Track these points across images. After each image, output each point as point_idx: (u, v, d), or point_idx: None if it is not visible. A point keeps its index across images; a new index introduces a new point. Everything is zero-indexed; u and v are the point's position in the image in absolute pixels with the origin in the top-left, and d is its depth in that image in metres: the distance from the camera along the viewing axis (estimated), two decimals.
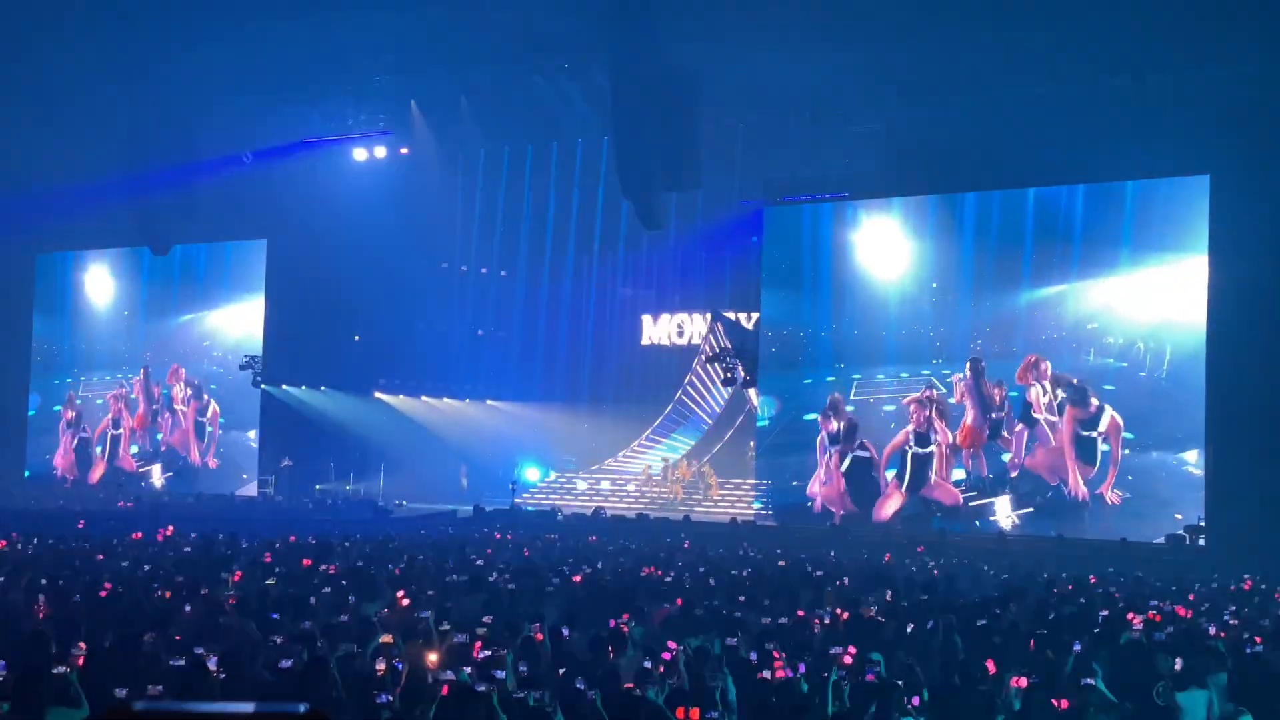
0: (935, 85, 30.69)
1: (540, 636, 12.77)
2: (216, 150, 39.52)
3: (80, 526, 28.87)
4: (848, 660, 11.69)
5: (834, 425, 34.63)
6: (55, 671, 9.10)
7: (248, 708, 1.94)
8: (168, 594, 15.47)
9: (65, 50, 34.38)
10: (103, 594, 15.21)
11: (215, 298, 45.05)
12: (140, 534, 24.59)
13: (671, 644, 12.16)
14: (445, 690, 9.51)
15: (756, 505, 36.69)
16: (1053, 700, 10.83)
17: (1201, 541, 28.54)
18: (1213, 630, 14.88)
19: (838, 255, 35.40)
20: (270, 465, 42.42)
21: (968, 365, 33.03)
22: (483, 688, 9.41)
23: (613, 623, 14.02)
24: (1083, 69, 29.56)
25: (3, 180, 41.56)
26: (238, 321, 44.22)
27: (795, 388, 35.79)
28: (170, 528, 28.58)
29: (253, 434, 43.40)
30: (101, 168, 38.88)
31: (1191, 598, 19.86)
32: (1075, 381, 31.67)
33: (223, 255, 44.95)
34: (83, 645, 11.00)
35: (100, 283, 48.32)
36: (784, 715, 9.91)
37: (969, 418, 32.89)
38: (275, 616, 13.38)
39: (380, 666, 10.46)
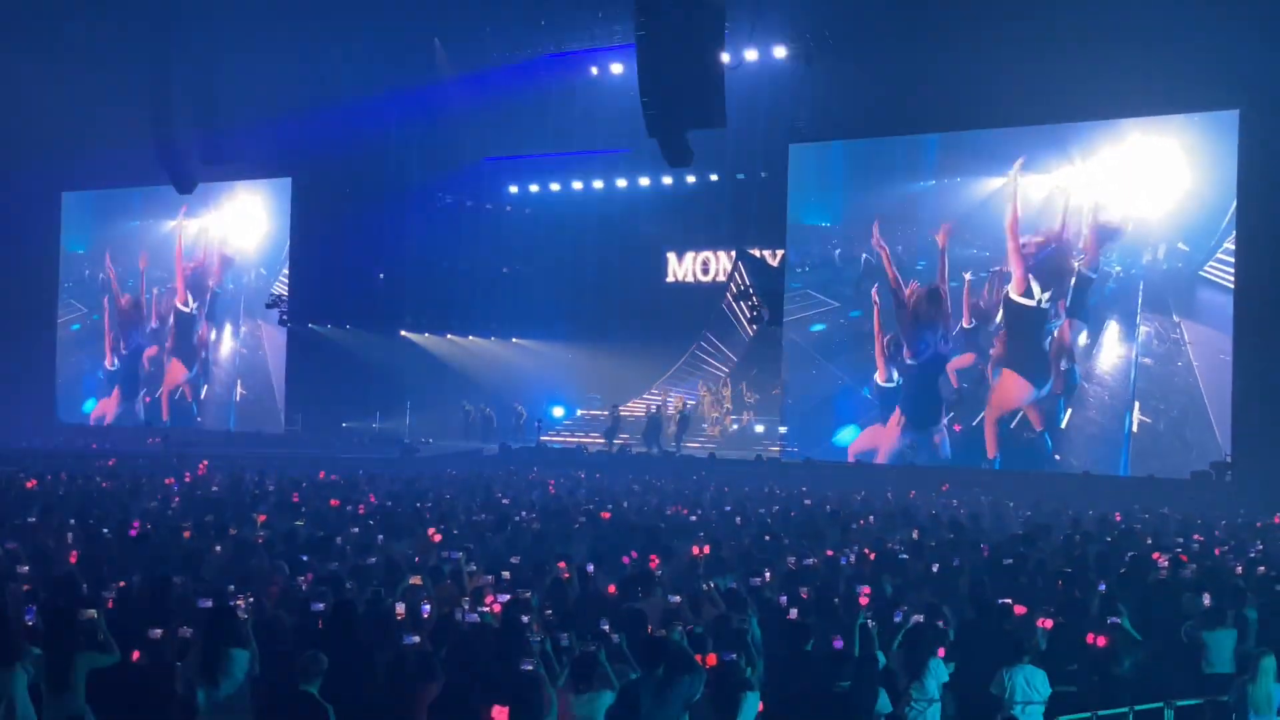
0: (960, 21, 30.30)
1: (567, 576, 12.81)
2: (242, 88, 39.44)
3: (110, 465, 29.10)
4: (864, 601, 11.71)
5: None
6: (84, 616, 9.13)
7: None
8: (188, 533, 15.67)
9: None
10: (133, 533, 15.35)
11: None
12: (172, 479, 24.76)
13: (711, 585, 12.19)
14: None
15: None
16: (1089, 637, 10.81)
17: (1228, 478, 28.44)
18: (1239, 569, 14.85)
19: (864, 192, 35.34)
20: (297, 402, 42.62)
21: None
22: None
23: (626, 559, 14.07)
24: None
25: (28, 118, 41.54)
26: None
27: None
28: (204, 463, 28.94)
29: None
30: (126, 106, 38.82)
31: (1217, 534, 19.87)
32: None
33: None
34: (117, 585, 11.10)
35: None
36: (812, 659, 9.93)
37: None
38: (304, 558, 13.41)
39: (400, 610, 10.53)
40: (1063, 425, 31.68)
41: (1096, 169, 31.89)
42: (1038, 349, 32.04)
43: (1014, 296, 32.41)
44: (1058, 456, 31.51)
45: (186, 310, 46.08)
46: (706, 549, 15.01)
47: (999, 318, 32.67)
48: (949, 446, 33.27)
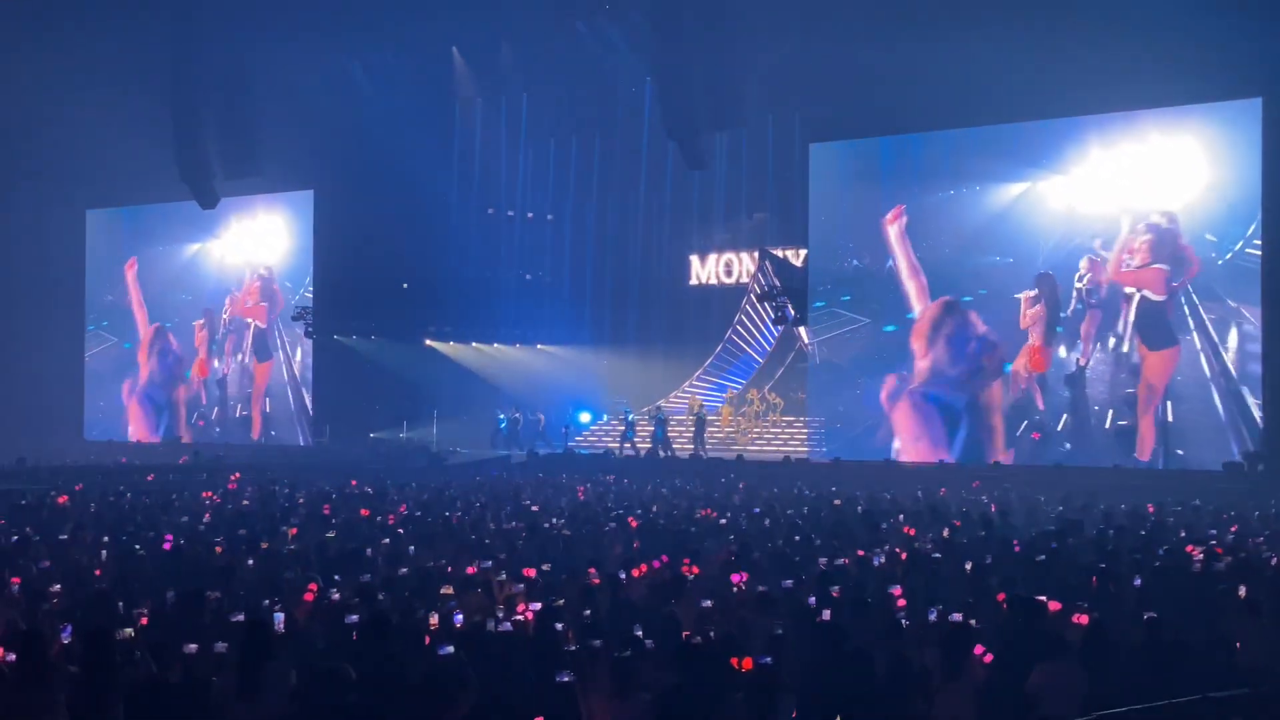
0: (981, 15, 30.19)
1: (598, 582, 12.78)
2: (264, 100, 39.68)
3: (150, 479, 29.23)
4: (901, 604, 11.62)
5: None
6: (121, 635, 9.15)
7: None
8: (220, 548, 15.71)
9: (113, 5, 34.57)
10: (166, 547, 15.42)
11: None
12: (209, 493, 24.89)
13: (735, 577, 12.17)
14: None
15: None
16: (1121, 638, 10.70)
17: (1260, 468, 28.27)
18: (1274, 560, 14.75)
19: (886, 192, 35.22)
20: (324, 415, 42.79)
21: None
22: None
23: (658, 564, 14.03)
24: None
25: (51, 136, 41.78)
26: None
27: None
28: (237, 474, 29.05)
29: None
30: (150, 123, 39.06)
31: (1251, 525, 19.75)
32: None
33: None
34: (150, 602, 11.11)
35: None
36: (842, 661, 9.87)
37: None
38: (337, 578, 13.41)
39: (434, 621, 10.52)
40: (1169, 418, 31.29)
41: (1116, 163, 31.77)
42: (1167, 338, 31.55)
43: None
44: (1180, 451, 30.82)
45: (260, 321, 46.21)
46: (736, 551, 14.99)
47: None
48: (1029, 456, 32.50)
